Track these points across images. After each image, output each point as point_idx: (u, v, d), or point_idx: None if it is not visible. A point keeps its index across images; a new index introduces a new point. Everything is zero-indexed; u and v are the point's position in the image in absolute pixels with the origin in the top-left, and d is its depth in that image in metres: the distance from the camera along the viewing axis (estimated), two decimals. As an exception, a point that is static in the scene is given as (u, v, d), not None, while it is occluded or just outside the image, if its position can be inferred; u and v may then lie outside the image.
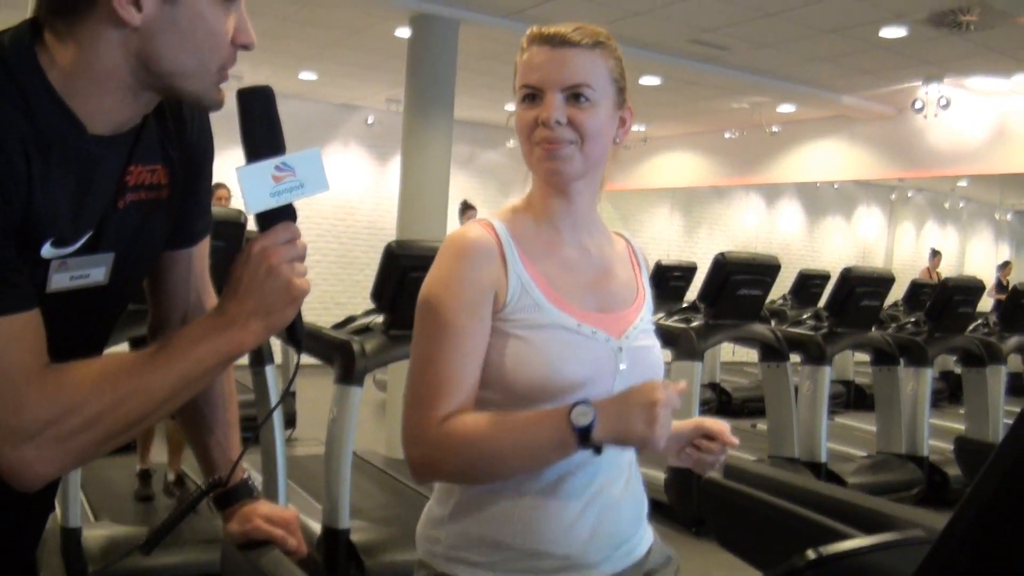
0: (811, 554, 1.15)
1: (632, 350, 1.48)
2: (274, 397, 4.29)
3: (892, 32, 7.30)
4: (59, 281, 1.16)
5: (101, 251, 1.20)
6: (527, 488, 1.42)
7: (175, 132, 1.30)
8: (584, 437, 1.28)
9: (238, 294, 1.14)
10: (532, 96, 1.45)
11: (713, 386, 9.24)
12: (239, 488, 1.47)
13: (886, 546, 1.21)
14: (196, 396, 1.46)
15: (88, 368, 1.12)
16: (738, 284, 5.59)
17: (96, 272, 1.21)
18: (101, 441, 1.11)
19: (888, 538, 1.23)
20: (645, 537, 1.57)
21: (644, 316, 1.56)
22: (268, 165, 1.14)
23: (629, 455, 1.53)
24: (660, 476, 5.47)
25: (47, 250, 1.13)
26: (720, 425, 1.54)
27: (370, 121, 11.77)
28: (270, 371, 4.32)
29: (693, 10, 6.93)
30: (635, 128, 12.26)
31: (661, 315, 6.54)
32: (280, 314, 1.16)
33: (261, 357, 4.29)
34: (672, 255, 12.78)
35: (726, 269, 5.55)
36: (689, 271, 8.99)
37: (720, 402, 9.05)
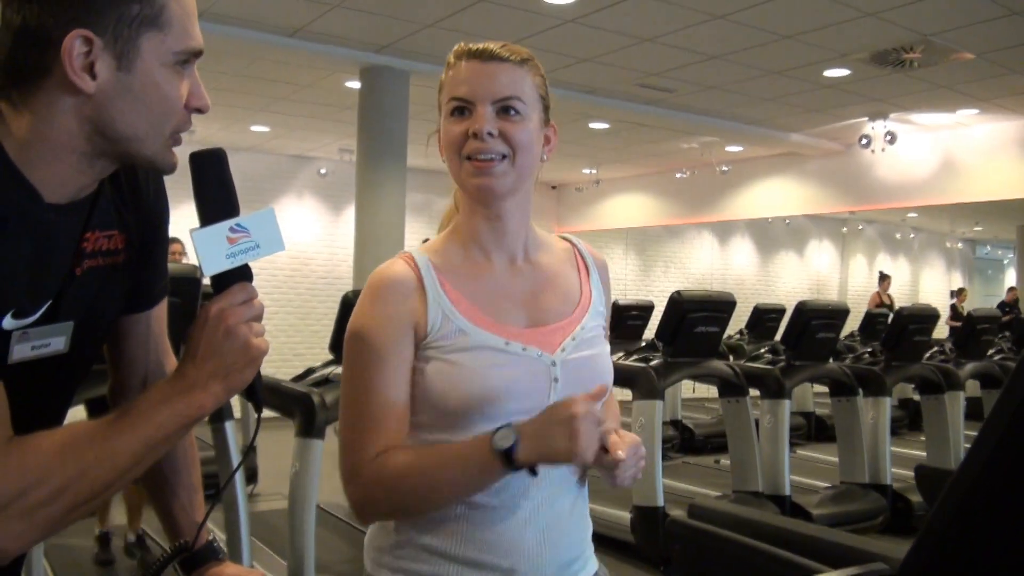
0: (778, 591, 1.15)
1: (569, 363, 1.46)
2: (234, 453, 4.23)
3: (836, 72, 7.48)
4: (20, 352, 1.15)
5: (61, 320, 1.19)
6: (471, 498, 1.41)
7: (130, 197, 1.30)
8: (508, 460, 1.29)
9: (197, 357, 1.14)
10: (461, 109, 1.45)
11: (675, 423, 9.24)
12: (205, 551, 1.45)
13: (850, 580, 1.22)
14: (159, 460, 1.45)
15: (51, 439, 1.10)
16: (695, 321, 5.63)
17: (56, 341, 1.20)
18: (67, 512, 1.09)
19: (851, 572, 1.24)
20: (591, 561, 1.56)
21: (587, 324, 1.53)
22: (223, 227, 1.14)
23: (580, 471, 1.51)
24: (626, 516, 5.47)
25: (8, 322, 1.11)
26: (617, 436, 1.38)
27: (323, 172, 11.77)
28: (229, 427, 4.26)
29: (638, 55, 7.05)
30: (586, 171, 12.49)
31: (620, 355, 6.58)
32: (239, 375, 1.15)
33: (220, 413, 4.23)
34: (628, 294, 12.85)
35: (682, 307, 5.59)
36: (646, 310, 9.05)
37: (683, 439, 9.05)
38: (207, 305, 1.15)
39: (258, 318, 1.17)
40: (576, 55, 7.07)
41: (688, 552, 1.87)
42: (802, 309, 6.13)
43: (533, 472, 1.33)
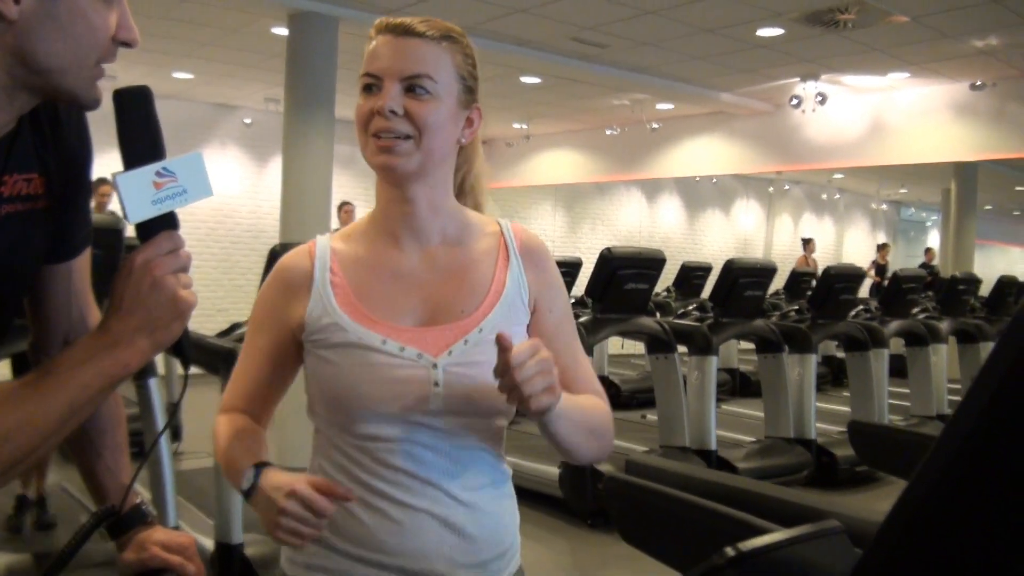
0: (730, 551, 1.13)
1: (454, 367, 1.37)
2: (158, 410, 4.15)
3: (769, 31, 7.50)
4: None
5: None
6: (373, 503, 1.38)
7: (51, 137, 1.21)
8: (245, 496, 1.35)
9: (121, 311, 1.06)
10: (370, 86, 1.39)
11: (602, 379, 9.27)
12: (132, 514, 1.39)
13: (804, 538, 1.20)
14: None
15: None
16: (625, 278, 5.64)
17: None
18: None
19: (805, 530, 1.22)
20: (513, 561, 1.50)
21: (490, 322, 1.41)
22: (149, 171, 1.06)
23: (487, 463, 1.45)
24: (554, 471, 5.50)
25: None
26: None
27: (248, 122, 11.53)
28: (153, 384, 4.19)
29: (572, 8, 6.98)
30: (516, 125, 12.41)
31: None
32: (167, 329, 1.08)
33: (144, 370, 4.14)
34: (556, 251, 12.87)
35: (612, 264, 5.60)
36: (574, 267, 9.06)
37: (609, 395, 9.07)
38: (131, 255, 1.07)
39: (185, 269, 1.10)
40: (509, 5, 6.96)
41: (627, 509, 1.85)
42: (730, 267, 6.18)
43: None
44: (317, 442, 1.47)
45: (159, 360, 4.44)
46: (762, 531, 1.33)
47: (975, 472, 0.65)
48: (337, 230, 1.57)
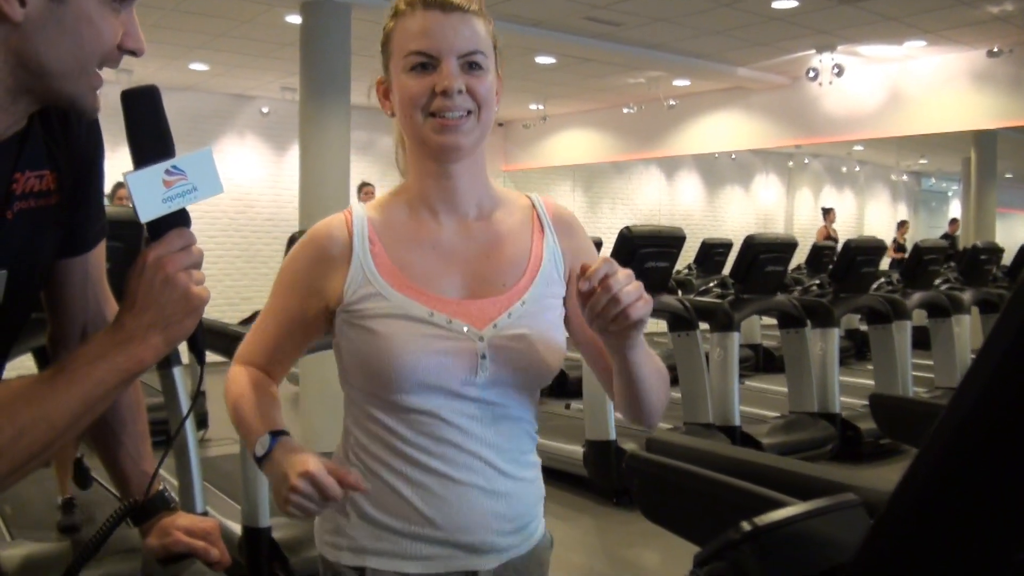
0: (746, 525, 1.13)
1: (500, 340, 1.39)
2: (183, 399, 4.18)
3: (784, 3, 7.43)
4: None
5: None
6: (411, 475, 1.39)
7: (61, 134, 1.23)
8: (258, 463, 1.36)
9: (135, 307, 1.08)
10: (424, 64, 1.37)
11: (624, 357, 9.32)
12: (155, 501, 1.42)
13: (820, 512, 1.20)
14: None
15: None
16: (645, 257, 5.62)
17: None
18: (4, 476, 1.05)
19: (822, 504, 1.22)
20: (541, 518, 1.55)
21: (533, 294, 1.44)
22: (158, 169, 1.07)
23: (527, 432, 1.48)
24: (578, 450, 5.51)
25: None
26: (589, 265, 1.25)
27: (265, 111, 11.55)
28: (178, 372, 4.21)
29: (586, -14, 6.94)
30: (533, 107, 12.38)
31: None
32: (180, 325, 1.10)
33: (168, 359, 4.18)
34: (577, 231, 12.85)
35: (633, 243, 5.58)
36: (595, 246, 9.03)
37: (634, 374, 9.13)
38: (144, 252, 1.08)
39: (197, 265, 1.11)
40: (522, -13, 6.95)
41: (648, 487, 1.85)
42: (750, 243, 6.16)
43: None
44: (352, 414, 1.47)
45: (183, 349, 4.46)
46: (779, 504, 1.34)
47: (981, 442, 0.66)
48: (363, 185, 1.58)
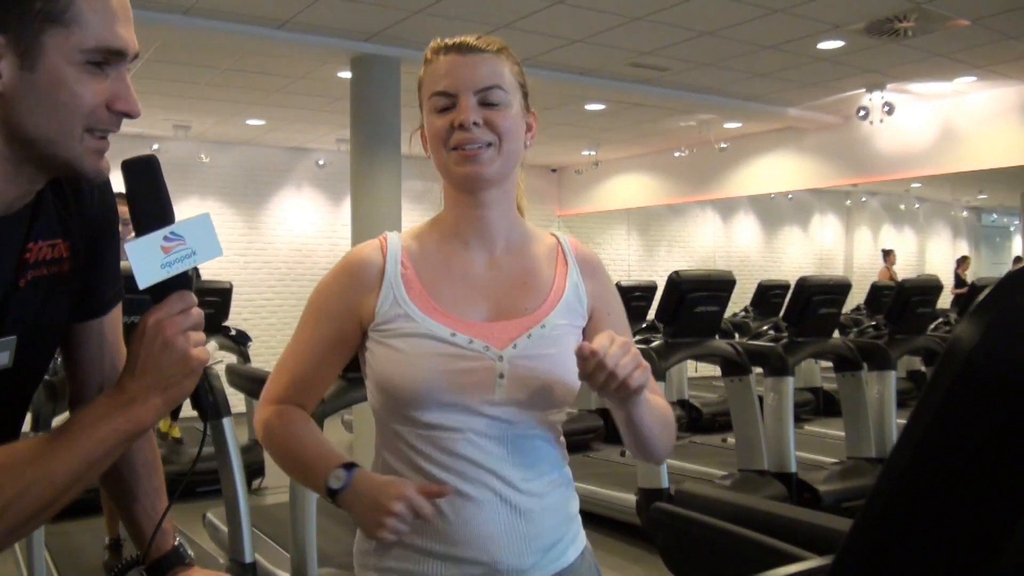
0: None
1: (519, 360, 1.43)
2: (233, 449, 4.23)
3: (830, 44, 7.38)
4: None
5: (5, 334, 1.17)
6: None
7: (74, 203, 1.27)
8: (332, 497, 1.40)
9: (136, 370, 1.12)
10: (445, 103, 1.46)
11: (682, 403, 9.22)
12: (170, 556, 1.43)
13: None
14: (118, 465, 1.42)
15: None
16: (695, 301, 5.58)
17: (1, 356, 1.18)
18: (7, 533, 1.08)
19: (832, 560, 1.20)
20: (578, 538, 1.56)
21: (552, 320, 1.49)
22: (156, 237, 1.12)
23: (548, 453, 1.50)
24: (631, 498, 5.45)
25: None
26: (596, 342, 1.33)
27: (321, 163, 11.73)
28: (227, 423, 4.26)
29: (629, 34, 6.98)
30: (585, 152, 12.42)
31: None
32: (179, 386, 1.14)
33: (218, 409, 4.25)
34: (633, 275, 12.82)
35: (681, 287, 5.55)
36: (649, 290, 8.99)
37: (690, 419, 9.03)
38: (144, 316, 1.13)
39: (197, 327, 1.15)
40: (567, 36, 7.01)
41: (673, 540, 1.84)
42: (803, 285, 6.07)
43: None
44: (381, 437, 1.52)
45: (235, 399, 4.52)
46: (798, 560, 1.31)
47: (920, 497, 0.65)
48: None
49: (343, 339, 1.51)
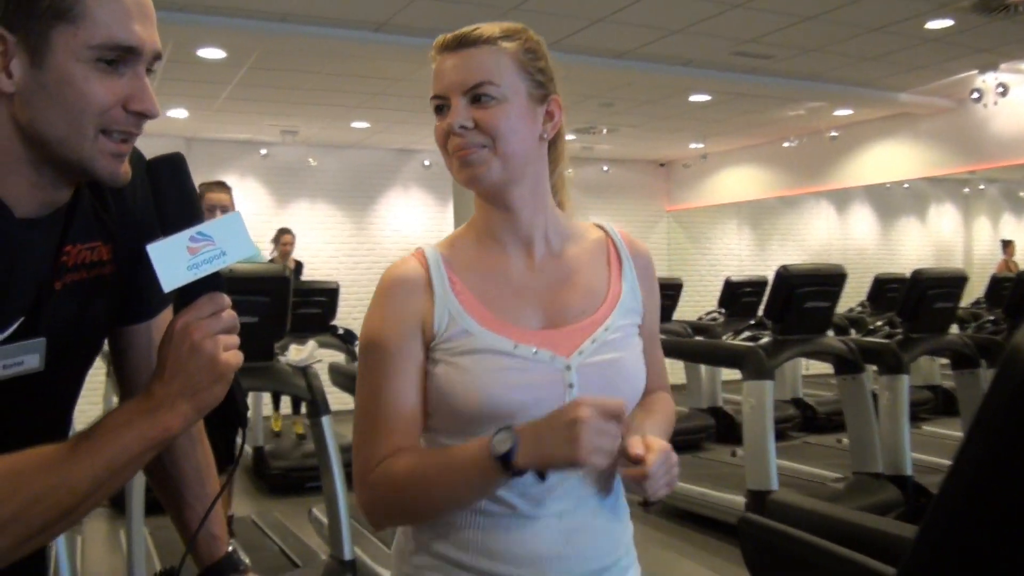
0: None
1: (587, 367, 1.37)
2: (332, 448, 4.28)
3: (938, 24, 7.03)
4: None
5: (35, 336, 1.15)
6: (486, 508, 1.35)
7: (115, 205, 1.26)
8: (507, 464, 1.20)
9: (164, 375, 1.09)
10: (440, 107, 1.40)
11: (796, 401, 8.99)
12: (223, 564, 1.42)
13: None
14: (168, 470, 1.41)
15: (4, 464, 1.04)
16: (804, 297, 5.43)
17: (30, 359, 1.15)
18: (20, 542, 1.04)
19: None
20: (631, 569, 1.47)
21: (613, 323, 1.43)
22: (182, 238, 1.08)
23: (607, 476, 1.41)
24: (740, 500, 5.32)
25: None
26: (643, 443, 1.31)
27: (427, 163, 11.82)
28: (326, 422, 4.32)
29: (730, 22, 6.79)
30: (693, 145, 12.23)
31: (729, 334, 6.40)
32: (208, 392, 1.09)
33: (317, 408, 4.31)
34: (745, 270, 12.57)
35: (790, 282, 5.41)
36: (760, 286, 8.78)
37: (804, 418, 8.78)
38: (174, 319, 1.10)
39: (230, 330, 1.11)
40: (666, 27, 6.85)
41: (757, 551, 1.74)
42: (917, 278, 5.83)
43: (541, 477, 1.24)
44: None
45: (333, 396, 4.56)
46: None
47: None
48: None
49: (422, 364, 1.39)
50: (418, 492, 1.32)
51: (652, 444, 1.29)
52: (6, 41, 1.05)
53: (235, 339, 1.11)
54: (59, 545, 3.84)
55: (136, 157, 1.22)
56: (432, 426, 1.42)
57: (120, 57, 1.09)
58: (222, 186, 4.90)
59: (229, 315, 1.11)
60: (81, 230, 1.20)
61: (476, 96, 1.37)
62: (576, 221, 1.55)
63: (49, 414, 1.29)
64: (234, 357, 1.10)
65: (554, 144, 1.49)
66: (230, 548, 1.43)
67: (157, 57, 1.13)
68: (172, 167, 1.12)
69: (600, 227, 1.56)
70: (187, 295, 1.10)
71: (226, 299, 1.11)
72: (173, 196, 1.11)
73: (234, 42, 6.81)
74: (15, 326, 1.12)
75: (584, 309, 1.43)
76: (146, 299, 1.35)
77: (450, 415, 1.37)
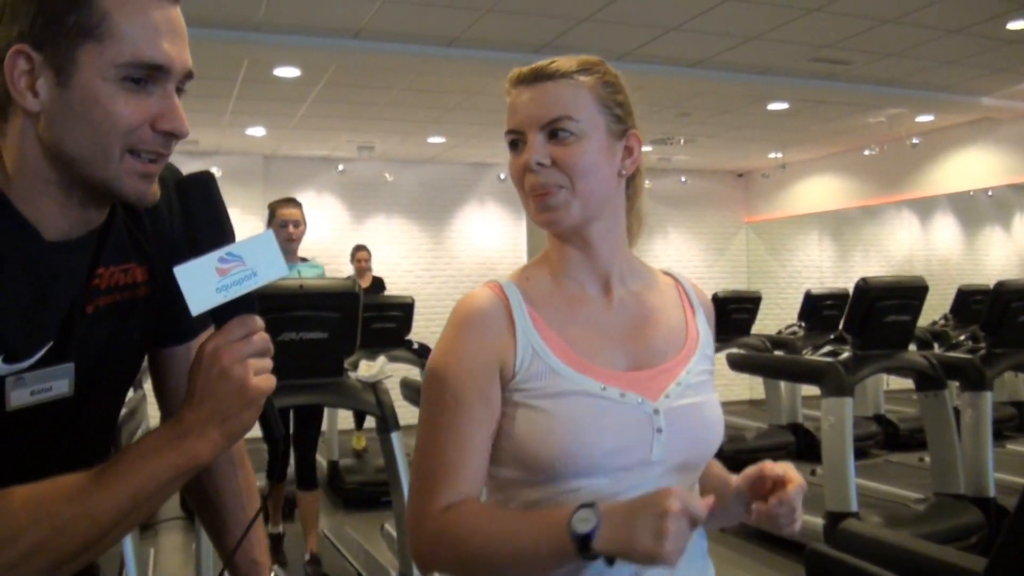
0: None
1: (673, 411, 1.31)
2: (402, 464, 4.27)
3: (1020, 24, 6.77)
4: (19, 398, 1.09)
5: (65, 361, 1.13)
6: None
7: (151, 227, 1.24)
8: (584, 545, 1.13)
9: (193, 401, 1.06)
10: (515, 142, 1.36)
11: (878, 418, 8.75)
12: None
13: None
14: (208, 494, 1.40)
15: (25, 494, 1.02)
16: (884, 310, 5.28)
17: (59, 384, 1.14)
18: (45, 572, 1.02)
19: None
20: None
21: (694, 367, 1.38)
22: (211, 259, 1.05)
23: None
24: (819, 522, 5.18)
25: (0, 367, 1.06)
26: (780, 469, 1.31)
27: (503, 177, 11.83)
28: (396, 437, 4.31)
29: (806, 27, 6.66)
30: (771, 155, 12.04)
31: (808, 349, 6.26)
32: (238, 419, 1.06)
33: (386, 423, 4.30)
34: (826, 282, 12.33)
35: (869, 296, 5.26)
36: (842, 298, 8.57)
37: (886, 435, 8.53)
38: (204, 343, 1.07)
39: (262, 353, 1.07)
40: (741, 34, 6.75)
41: (824, 586, 1.68)
42: (1000, 291, 5.62)
43: (610, 563, 1.15)
44: (497, 499, 1.36)
45: (403, 410, 4.56)
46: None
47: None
48: None
49: (498, 406, 1.31)
50: (480, 554, 1.25)
51: (792, 475, 1.28)
52: (32, 60, 1.04)
53: (267, 363, 1.08)
54: (128, 555, 3.88)
55: (171, 175, 1.21)
56: (500, 476, 1.34)
57: (148, 75, 1.07)
58: (292, 202, 4.97)
59: (261, 338, 1.08)
60: (115, 251, 1.18)
61: (554, 131, 1.32)
62: (644, 263, 1.50)
63: (86, 439, 1.27)
64: (265, 382, 1.07)
65: (632, 180, 1.44)
66: (272, 573, 1.41)
67: (189, 75, 1.11)
68: (201, 186, 1.09)
69: (667, 273, 1.52)
70: (218, 317, 1.07)
71: (258, 321, 1.08)
72: (202, 216, 1.08)
73: (309, 60, 6.89)
74: (43, 351, 1.11)
75: (666, 351, 1.38)
76: (183, 321, 1.30)
77: (526, 464, 1.29)
